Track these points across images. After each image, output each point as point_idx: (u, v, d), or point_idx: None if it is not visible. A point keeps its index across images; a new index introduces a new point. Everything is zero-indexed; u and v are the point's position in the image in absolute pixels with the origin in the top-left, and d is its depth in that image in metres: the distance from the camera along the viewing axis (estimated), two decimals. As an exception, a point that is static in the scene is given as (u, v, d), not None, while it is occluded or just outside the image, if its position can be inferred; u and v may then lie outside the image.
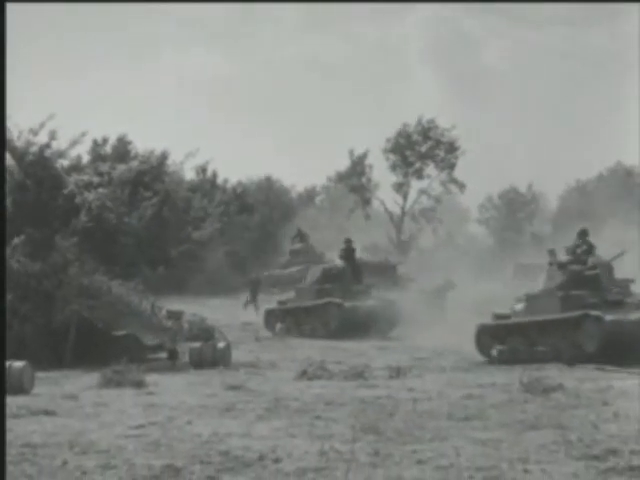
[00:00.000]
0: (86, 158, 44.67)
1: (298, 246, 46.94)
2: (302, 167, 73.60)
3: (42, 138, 27.33)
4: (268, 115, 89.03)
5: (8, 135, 25.47)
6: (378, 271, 33.67)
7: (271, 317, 30.42)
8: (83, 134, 29.30)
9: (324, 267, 30.60)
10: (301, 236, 48.73)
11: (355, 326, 26.83)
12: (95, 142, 48.34)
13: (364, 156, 51.31)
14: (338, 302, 28.21)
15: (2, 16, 10.21)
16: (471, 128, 58.05)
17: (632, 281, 21.37)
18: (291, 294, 32.40)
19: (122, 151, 48.34)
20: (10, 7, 10.88)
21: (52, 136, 27.51)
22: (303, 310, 29.36)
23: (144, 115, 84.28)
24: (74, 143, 28.50)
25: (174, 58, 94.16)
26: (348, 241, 30.92)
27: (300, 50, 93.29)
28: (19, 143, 26.44)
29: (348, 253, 30.36)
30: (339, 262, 30.21)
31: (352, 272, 29.63)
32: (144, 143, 48.93)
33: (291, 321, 29.45)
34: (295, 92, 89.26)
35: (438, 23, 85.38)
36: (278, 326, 29.41)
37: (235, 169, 75.80)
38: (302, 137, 79.60)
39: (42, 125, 27.09)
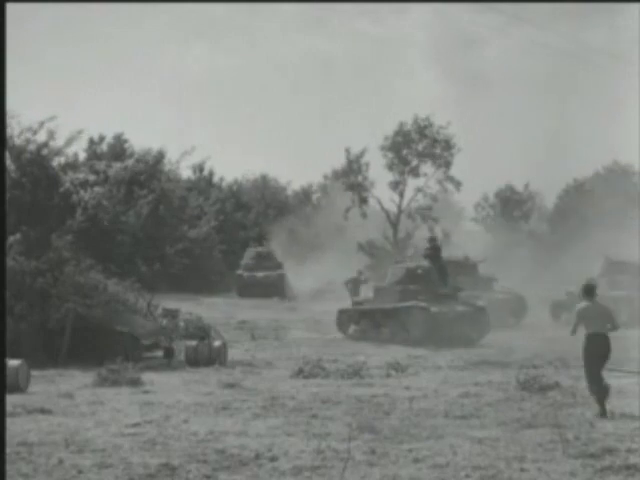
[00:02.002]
0: (82, 156, 44.62)
1: (265, 250, 46.07)
2: (299, 165, 73.61)
3: (41, 137, 27.36)
4: (266, 112, 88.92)
5: (8, 132, 25.49)
6: (458, 270, 30.54)
7: (344, 318, 27.73)
8: (79, 132, 29.30)
9: (408, 266, 27.78)
10: (264, 240, 48.25)
11: (441, 333, 24.62)
12: (92, 140, 48.26)
13: (361, 154, 51.30)
14: (423, 306, 25.56)
15: (2, 16, 10.22)
16: (469, 126, 58.08)
17: None
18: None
19: (118, 149, 48.27)
20: (10, 6, 10.85)
21: (51, 136, 27.51)
22: (382, 312, 26.45)
23: (142, 113, 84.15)
24: (71, 140, 28.52)
25: (173, 55, 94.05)
26: (433, 239, 28.78)
27: (299, 47, 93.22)
28: (18, 141, 26.45)
29: (434, 252, 27.92)
30: (424, 262, 27.64)
31: (438, 273, 27.12)
32: (141, 141, 48.81)
33: (367, 324, 26.81)
34: (293, 89, 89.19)
35: (438, 21, 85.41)
36: (352, 328, 27.13)
37: (232, 167, 75.84)
38: (300, 134, 79.53)
39: (42, 125, 27.09)
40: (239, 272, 44.05)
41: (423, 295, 26.00)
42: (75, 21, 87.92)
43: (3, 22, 10.29)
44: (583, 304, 13.29)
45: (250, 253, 45.13)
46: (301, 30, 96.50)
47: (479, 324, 25.73)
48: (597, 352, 13.02)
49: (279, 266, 44.18)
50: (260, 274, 43.28)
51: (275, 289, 42.56)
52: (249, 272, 43.66)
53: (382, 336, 25.88)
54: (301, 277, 43.58)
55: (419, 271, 26.92)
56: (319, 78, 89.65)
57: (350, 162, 51.28)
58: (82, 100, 76.47)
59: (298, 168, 67.63)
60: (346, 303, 30.14)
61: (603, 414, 12.53)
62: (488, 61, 77.07)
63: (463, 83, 73.15)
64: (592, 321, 13.08)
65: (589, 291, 13.33)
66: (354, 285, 36.49)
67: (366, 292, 32.11)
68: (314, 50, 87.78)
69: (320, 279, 43.75)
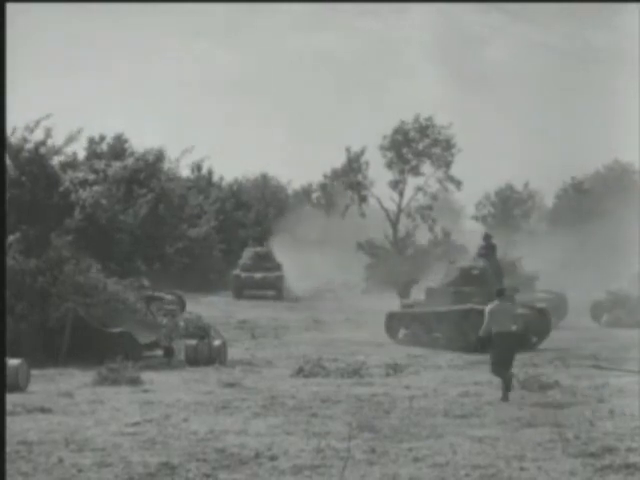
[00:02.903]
0: (82, 155, 44.60)
1: (264, 250, 45.16)
2: (300, 164, 73.56)
3: (38, 135, 27.22)
4: (266, 110, 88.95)
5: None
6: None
7: (394, 322, 25.93)
8: (79, 131, 29.15)
9: (462, 266, 25.82)
10: (265, 240, 47.65)
11: None
12: (92, 140, 48.25)
13: (361, 153, 51.33)
14: (481, 309, 23.80)
15: (2, 16, 10.24)
16: (469, 125, 58.16)
17: None
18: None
19: (118, 149, 48.25)
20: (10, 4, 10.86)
21: (48, 134, 27.38)
22: (436, 316, 24.71)
23: (142, 111, 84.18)
24: (70, 140, 28.36)
25: (173, 54, 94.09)
26: (488, 237, 26.73)
27: (301, 45, 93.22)
28: (14, 140, 26.36)
29: (488, 250, 26.04)
30: (480, 261, 25.75)
31: (493, 273, 25.31)
32: (141, 140, 48.82)
33: (419, 328, 25.04)
34: (294, 87, 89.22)
35: (440, 20, 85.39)
36: (402, 333, 25.51)
37: (232, 166, 75.83)
38: (300, 133, 79.57)
39: (38, 123, 26.95)
40: (236, 272, 42.74)
41: (479, 297, 23.92)
42: (75, 19, 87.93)
43: (3, 22, 10.30)
44: (493, 305, 14.77)
45: (248, 253, 44.03)
46: (302, 29, 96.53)
47: (540, 327, 24.20)
48: (505, 348, 14.39)
49: (278, 267, 43.00)
50: (258, 275, 42.05)
51: (273, 291, 41.62)
52: (247, 272, 42.38)
53: (435, 341, 24.37)
54: (300, 277, 43.43)
55: (474, 271, 25.25)
56: (319, 77, 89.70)
57: (350, 161, 51.32)
58: (82, 99, 76.45)
59: (298, 167, 67.72)
60: (346, 303, 29.77)
61: (506, 398, 13.99)
62: (489, 61, 77.10)
63: (464, 82, 73.22)
64: (500, 320, 14.49)
65: (500, 293, 14.99)
66: (405, 287, 33.89)
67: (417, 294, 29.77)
68: (315, 49, 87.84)
69: (319, 279, 43.71)
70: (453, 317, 24.12)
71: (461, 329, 23.58)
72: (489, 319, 14.59)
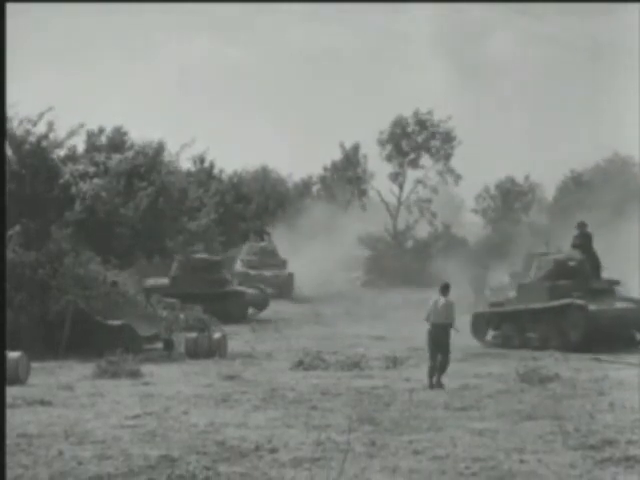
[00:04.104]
0: (82, 147, 44.46)
1: (270, 246, 43.02)
2: (301, 156, 73.38)
3: (40, 128, 27.20)
4: (267, 103, 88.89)
5: (7, 124, 25.41)
6: None
7: (481, 322, 23.77)
8: (81, 125, 29.09)
9: (557, 258, 23.41)
10: (266, 235, 46.95)
11: (602, 336, 21.25)
12: (92, 132, 48.18)
13: (357, 148, 51.34)
14: (581, 304, 21.70)
15: (2, 16, 10.24)
16: (470, 117, 58.17)
17: None
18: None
19: (118, 142, 48.17)
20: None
21: (50, 128, 27.36)
22: (529, 314, 22.64)
23: (143, 104, 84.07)
24: (71, 134, 28.33)
25: (175, 46, 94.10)
26: (582, 225, 24.12)
27: (301, 38, 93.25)
28: (18, 132, 26.37)
29: (584, 240, 23.76)
30: (575, 252, 23.58)
31: (590, 265, 23.29)
32: (141, 132, 48.63)
33: (510, 328, 23.01)
34: (295, 80, 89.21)
35: (442, 13, 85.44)
36: (490, 334, 23.69)
37: (233, 158, 75.80)
38: (301, 126, 79.51)
39: (41, 116, 26.93)
40: (241, 269, 40.44)
41: (577, 291, 22.24)
42: (75, 15, 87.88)
43: (3, 22, 10.30)
44: (433, 298, 15.70)
45: (252, 248, 42.18)
46: (302, 24, 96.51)
47: None
48: (436, 339, 15.37)
49: (284, 264, 41.40)
50: (268, 273, 39.74)
51: (284, 290, 39.40)
52: (255, 270, 39.93)
53: (529, 342, 22.39)
54: (300, 270, 43.17)
55: (570, 263, 23.00)
56: (321, 70, 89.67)
57: (347, 156, 51.34)
58: (82, 92, 76.46)
59: (299, 160, 67.64)
60: (346, 296, 29.43)
61: (431, 386, 14.99)
62: (490, 53, 77.06)
63: (465, 75, 73.20)
64: (436, 313, 15.49)
65: (444, 289, 15.74)
66: (478, 281, 31.86)
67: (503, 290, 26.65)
68: (317, 42, 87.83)
69: (319, 271, 43.58)
70: (550, 315, 22.30)
71: (559, 327, 21.98)
72: (427, 310, 15.60)
